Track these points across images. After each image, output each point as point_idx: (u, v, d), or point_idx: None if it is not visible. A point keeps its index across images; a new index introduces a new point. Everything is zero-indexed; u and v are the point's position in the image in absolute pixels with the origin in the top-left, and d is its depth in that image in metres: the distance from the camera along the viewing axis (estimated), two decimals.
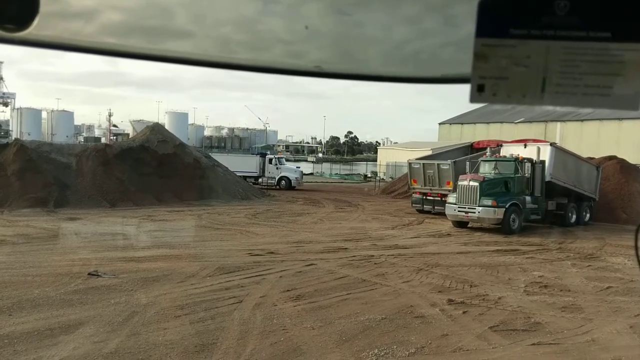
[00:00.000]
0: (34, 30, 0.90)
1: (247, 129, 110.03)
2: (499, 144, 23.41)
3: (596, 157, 26.46)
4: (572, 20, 0.88)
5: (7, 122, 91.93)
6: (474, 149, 27.02)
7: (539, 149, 20.15)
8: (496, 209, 18.63)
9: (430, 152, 31.57)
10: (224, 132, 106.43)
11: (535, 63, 0.90)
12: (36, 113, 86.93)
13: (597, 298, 10.19)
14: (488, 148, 23.62)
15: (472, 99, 0.94)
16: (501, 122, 46.10)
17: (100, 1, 0.98)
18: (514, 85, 0.92)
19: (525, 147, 21.51)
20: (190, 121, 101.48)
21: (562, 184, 21.10)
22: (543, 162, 20.16)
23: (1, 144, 27.40)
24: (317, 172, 61.49)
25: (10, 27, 0.90)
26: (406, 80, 1.08)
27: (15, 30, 0.90)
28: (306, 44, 1.01)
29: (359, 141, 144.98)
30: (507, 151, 22.37)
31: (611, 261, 14.19)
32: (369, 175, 54.57)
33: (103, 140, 72.84)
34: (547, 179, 20.31)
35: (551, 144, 21.37)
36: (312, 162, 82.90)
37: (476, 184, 19.04)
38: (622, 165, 26.22)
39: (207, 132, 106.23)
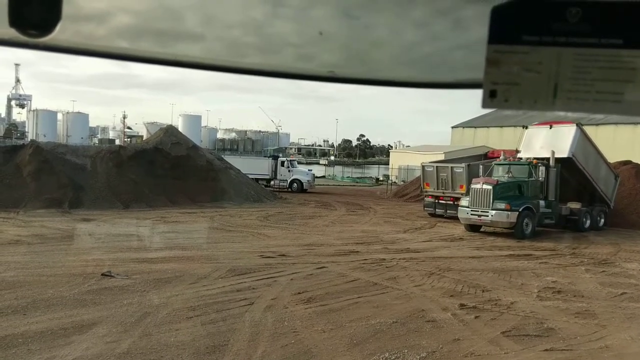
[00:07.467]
0: (56, 35, 0.92)
1: (260, 131, 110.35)
2: (513, 154, 23.09)
3: (611, 161, 26.14)
4: (583, 27, 0.88)
5: (23, 123, 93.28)
6: (488, 158, 26.66)
7: (553, 152, 19.91)
8: (509, 212, 18.46)
9: (442, 157, 31.34)
10: (236, 135, 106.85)
11: (547, 69, 0.91)
12: (51, 115, 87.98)
13: (611, 304, 10.08)
14: (502, 152, 23.40)
15: (484, 105, 0.95)
16: (514, 126, 45.70)
17: (112, 4, 1.00)
18: (525, 91, 0.93)
19: (550, 129, 21.27)
20: (204, 123, 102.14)
21: (580, 166, 20.70)
22: (558, 165, 19.91)
23: (17, 145, 27.74)
24: (329, 175, 61.42)
25: (33, 33, 0.92)
26: (418, 85, 1.09)
27: (38, 36, 0.92)
28: (315, 46, 1.02)
29: (371, 144, 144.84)
30: (532, 134, 22.15)
31: (626, 267, 14.02)
32: (381, 178, 54.39)
33: (117, 142, 73.48)
34: (567, 155, 19.98)
35: (577, 124, 20.94)
36: (324, 165, 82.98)
37: (489, 187, 18.90)
38: (637, 170, 25.94)
39: (219, 135, 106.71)
